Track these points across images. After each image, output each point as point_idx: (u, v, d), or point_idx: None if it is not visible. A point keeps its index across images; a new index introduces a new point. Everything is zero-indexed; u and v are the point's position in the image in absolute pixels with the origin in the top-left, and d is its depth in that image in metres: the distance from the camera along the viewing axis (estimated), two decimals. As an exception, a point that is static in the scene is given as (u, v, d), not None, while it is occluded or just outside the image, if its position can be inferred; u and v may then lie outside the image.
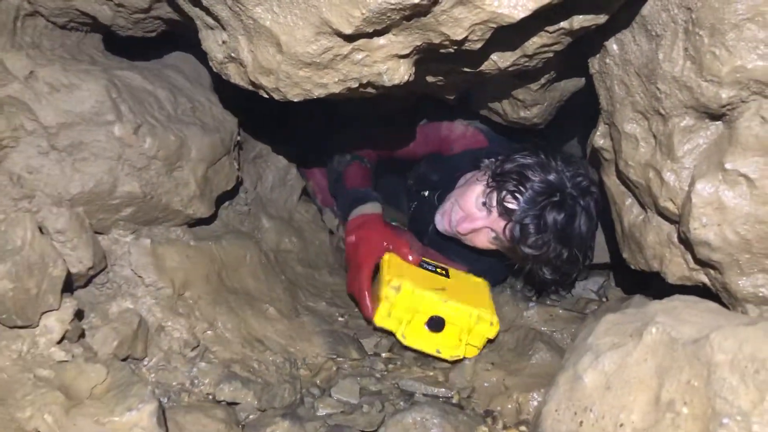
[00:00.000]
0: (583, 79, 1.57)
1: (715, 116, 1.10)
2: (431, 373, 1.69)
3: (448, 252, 1.99)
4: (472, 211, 1.83)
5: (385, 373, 1.71)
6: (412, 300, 1.69)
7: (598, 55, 1.32)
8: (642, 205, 1.33)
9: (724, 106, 1.06)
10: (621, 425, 0.85)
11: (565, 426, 0.92)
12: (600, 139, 1.38)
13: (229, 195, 1.87)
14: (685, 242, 1.17)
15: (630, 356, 0.89)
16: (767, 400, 0.72)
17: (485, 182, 1.78)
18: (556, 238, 1.71)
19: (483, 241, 1.87)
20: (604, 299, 2.00)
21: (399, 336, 1.71)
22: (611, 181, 1.42)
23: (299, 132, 2.16)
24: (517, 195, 1.71)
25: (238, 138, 1.82)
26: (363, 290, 1.80)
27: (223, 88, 1.86)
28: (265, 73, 1.15)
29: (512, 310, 1.88)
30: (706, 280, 1.20)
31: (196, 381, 1.47)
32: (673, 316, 0.91)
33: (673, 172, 1.18)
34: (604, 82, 1.32)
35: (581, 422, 0.90)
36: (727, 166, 1.06)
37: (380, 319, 1.73)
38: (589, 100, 1.54)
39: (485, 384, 1.62)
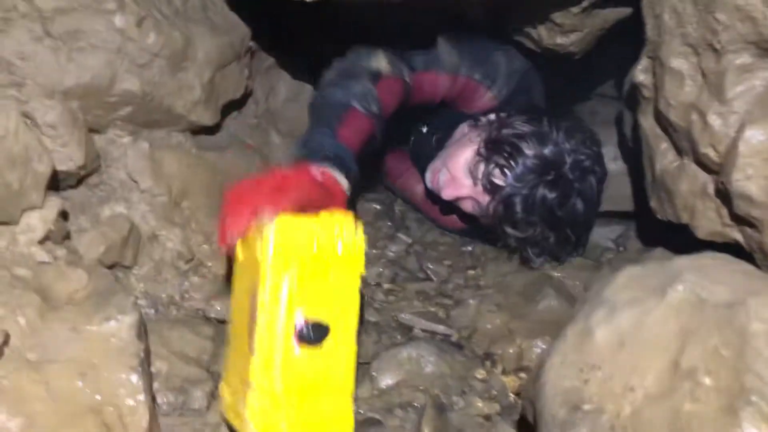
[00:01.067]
0: (629, 7, 1.42)
1: (778, 55, 0.97)
2: (432, 309, 1.62)
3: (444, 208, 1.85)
4: (459, 176, 1.65)
5: (385, 304, 1.65)
6: None
7: (650, -22, 1.18)
8: (678, 151, 1.22)
9: (791, 44, 0.93)
10: (631, 389, 0.77)
11: (569, 382, 0.84)
12: (641, 74, 1.26)
13: (238, 105, 1.77)
14: (723, 194, 1.06)
15: (650, 314, 0.80)
16: (806, 379, 0.63)
17: (476, 147, 1.60)
18: (544, 220, 1.57)
19: (468, 208, 1.70)
20: (621, 249, 1.90)
21: None
22: (647, 122, 1.30)
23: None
24: (506, 170, 1.53)
25: (251, 44, 1.70)
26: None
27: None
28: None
29: (523, 251, 1.78)
30: (740, 237, 1.09)
31: (186, 295, 1.42)
32: (703, 275, 0.81)
33: (719, 116, 1.06)
34: (653, 9, 1.19)
35: (587, 380, 0.82)
36: (786, 112, 0.94)
37: None
38: (631, 32, 1.41)
39: (488, 326, 1.55)
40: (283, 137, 1.92)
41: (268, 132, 1.90)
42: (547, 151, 1.52)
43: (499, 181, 1.55)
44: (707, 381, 0.70)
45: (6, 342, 0.98)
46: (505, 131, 1.57)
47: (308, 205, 1.16)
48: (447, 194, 1.68)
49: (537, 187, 1.52)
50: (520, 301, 1.61)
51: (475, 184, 1.61)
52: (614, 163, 1.91)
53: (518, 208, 1.54)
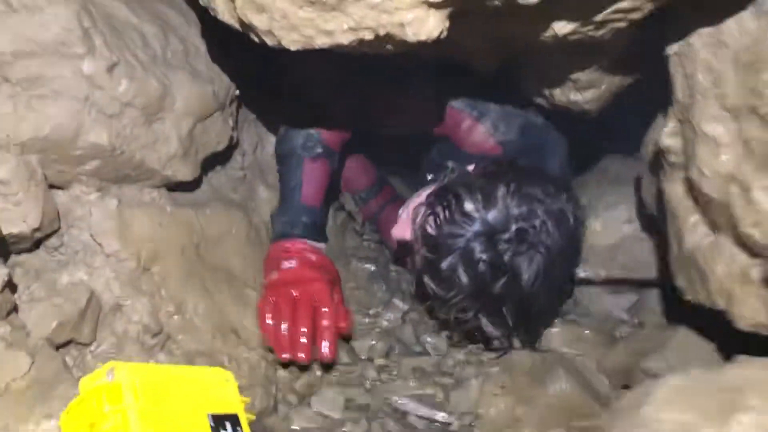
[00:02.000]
0: (651, 62, 1.29)
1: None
2: (430, 391, 1.45)
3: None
4: (405, 219, 1.53)
5: (377, 383, 1.48)
6: None
7: (679, 32, 1.05)
8: (713, 227, 1.07)
9: None
10: None
11: None
12: (668, 138, 1.12)
13: (222, 158, 1.63)
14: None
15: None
16: None
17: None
18: (471, 290, 1.39)
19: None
20: (636, 321, 1.74)
21: None
22: (674, 191, 1.15)
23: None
24: (441, 221, 1.39)
25: (237, 92, 1.57)
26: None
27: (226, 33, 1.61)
28: (257, 9, 0.90)
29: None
30: (790, 333, 0.94)
31: (151, 374, 1.25)
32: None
33: (766, 191, 0.91)
34: (683, 67, 1.05)
35: None
36: None
37: None
38: (651, 90, 1.28)
39: (492, 410, 1.38)
40: (271, 190, 1.77)
41: (254, 186, 1.76)
42: (490, 214, 1.36)
43: (431, 230, 1.41)
44: None
45: None
46: (457, 180, 1.45)
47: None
48: (394, 233, 1.57)
49: (470, 250, 1.35)
50: (528, 382, 1.44)
51: (413, 230, 1.48)
52: (628, 226, 1.77)
53: (443, 263, 1.38)
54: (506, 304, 1.39)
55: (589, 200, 1.85)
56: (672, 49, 1.09)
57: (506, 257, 1.34)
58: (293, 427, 1.30)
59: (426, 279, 1.44)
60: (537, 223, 1.36)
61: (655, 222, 1.42)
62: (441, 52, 1.23)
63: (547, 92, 1.40)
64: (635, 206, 1.72)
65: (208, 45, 1.51)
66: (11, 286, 1.09)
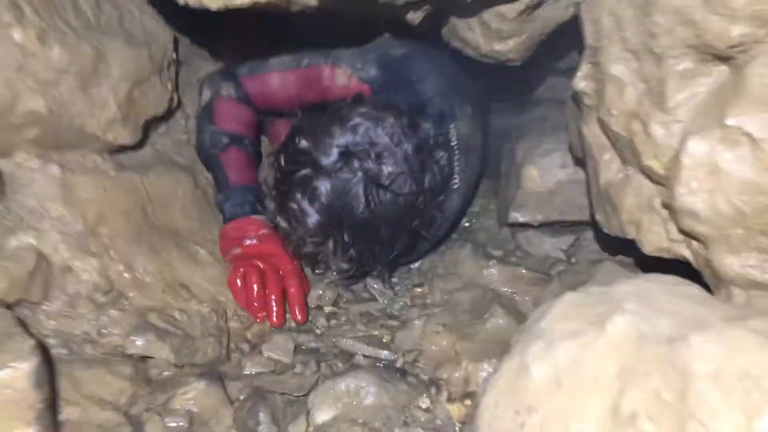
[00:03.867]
0: (571, 8, 1.35)
1: (720, 60, 0.91)
2: (376, 332, 1.53)
3: None
4: None
5: (326, 329, 1.56)
6: None
7: (587, -20, 1.11)
8: (623, 162, 1.15)
9: (733, 47, 0.86)
10: (570, 434, 0.69)
11: (504, 425, 0.76)
12: (581, 81, 1.18)
13: (164, 120, 1.66)
14: (668, 209, 1.00)
15: (589, 349, 0.72)
16: (755, 428, 0.55)
17: None
18: (312, 226, 1.46)
19: None
20: (573, 260, 1.83)
21: None
22: (590, 132, 1.23)
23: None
24: (281, 163, 1.50)
25: (174, 55, 1.60)
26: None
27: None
28: (178, -28, 0.94)
29: (472, 267, 1.71)
30: (687, 254, 1.03)
31: (104, 331, 1.30)
32: (646, 304, 0.74)
33: (662, 125, 0.99)
34: (592, 12, 1.12)
35: (523, 423, 0.74)
36: (729, 121, 0.87)
37: None
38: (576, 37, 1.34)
39: (434, 347, 1.47)
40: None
41: (199, 148, 1.79)
42: (319, 149, 1.42)
43: (275, 173, 1.52)
44: (649, 427, 0.62)
45: None
46: (299, 121, 1.53)
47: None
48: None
49: (306, 183, 1.42)
50: (468, 320, 1.53)
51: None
52: (563, 171, 1.85)
53: (288, 201, 1.45)
54: (348, 230, 1.44)
55: (528, 149, 1.93)
56: (581, -5, 1.15)
57: (337, 185, 1.39)
58: (245, 371, 1.36)
59: (278, 219, 1.51)
60: (364, 149, 1.41)
61: (582, 163, 1.50)
62: (371, 8, 1.28)
63: (472, 41, 1.45)
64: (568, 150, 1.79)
65: (143, 10, 1.53)
66: (-43, 251, 1.13)
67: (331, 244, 1.47)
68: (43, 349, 1.05)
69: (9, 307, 1.16)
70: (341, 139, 1.41)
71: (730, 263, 0.94)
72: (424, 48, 1.69)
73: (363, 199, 1.40)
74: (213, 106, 1.71)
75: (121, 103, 1.41)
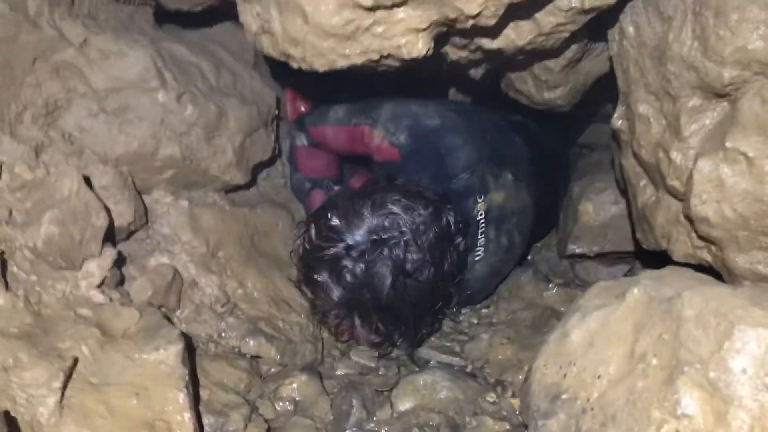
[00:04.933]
0: (608, 63, 1.60)
1: (720, 96, 1.14)
2: (448, 344, 1.76)
3: None
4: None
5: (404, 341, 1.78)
6: None
7: (617, 38, 1.36)
8: (655, 186, 1.37)
9: (727, 86, 1.09)
10: (599, 377, 0.91)
11: (550, 378, 0.98)
12: (618, 120, 1.42)
13: (267, 166, 1.98)
14: (688, 219, 1.21)
15: (613, 314, 0.95)
16: (723, 348, 0.76)
17: None
18: (340, 303, 1.51)
19: None
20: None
21: None
22: (628, 163, 1.46)
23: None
24: (310, 238, 1.55)
25: (277, 111, 1.92)
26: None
27: (266, 64, 1.98)
28: (294, 43, 1.24)
29: (533, 289, 1.92)
30: (708, 257, 1.23)
31: (223, 334, 1.58)
32: (658, 281, 0.96)
33: (679, 152, 1.21)
34: (622, 64, 1.36)
35: (565, 375, 0.96)
36: (728, 144, 1.09)
37: None
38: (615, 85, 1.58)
39: (499, 356, 1.68)
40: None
41: (294, 191, 2.11)
42: (353, 229, 1.48)
43: (306, 246, 1.56)
44: (654, 361, 0.83)
45: (75, 365, 1.15)
46: (331, 198, 1.62)
47: None
48: None
49: (336, 262, 1.47)
50: (530, 334, 1.74)
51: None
52: (615, 207, 2.05)
53: (317, 275, 1.51)
54: (373, 310, 1.50)
55: (584, 186, 2.15)
56: (613, 50, 1.40)
57: (365, 268, 1.45)
58: (337, 372, 1.61)
59: (305, 290, 1.60)
60: (393, 236, 1.47)
61: (624, 193, 1.72)
62: (436, 65, 1.57)
63: (526, 92, 1.71)
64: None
65: (252, 75, 1.87)
66: (117, 263, 1.44)
67: (356, 319, 1.54)
68: (186, 337, 1.33)
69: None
70: (372, 223, 1.47)
71: (740, 260, 1.14)
72: (465, 116, 1.79)
73: (389, 284, 1.45)
74: (295, 154, 2.02)
75: (236, 150, 1.73)
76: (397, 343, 1.67)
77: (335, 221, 1.50)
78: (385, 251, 1.45)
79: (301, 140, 2.01)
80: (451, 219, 1.58)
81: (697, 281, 0.92)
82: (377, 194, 1.52)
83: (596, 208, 2.09)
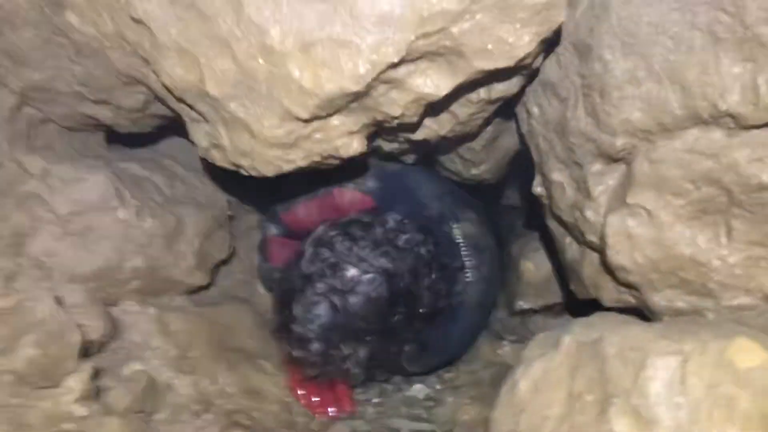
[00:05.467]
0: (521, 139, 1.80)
1: (616, 160, 1.32)
2: (416, 412, 1.86)
3: None
4: None
5: (375, 416, 1.87)
6: None
7: (525, 118, 1.55)
8: (578, 242, 1.54)
9: (620, 152, 1.28)
10: (546, 418, 1.04)
11: (506, 426, 1.11)
12: (537, 187, 1.60)
13: (226, 264, 2.09)
14: (608, 268, 1.37)
15: (551, 362, 1.08)
16: (640, 377, 0.90)
17: None
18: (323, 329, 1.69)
19: None
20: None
21: None
22: (552, 224, 1.63)
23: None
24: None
25: (229, 213, 2.05)
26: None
27: (214, 170, 2.11)
28: (243, 155, 1.38)
29: (488, 348, 2.06)
30: (631, 300, 1.39)
31: (203, 431, 1.64)
32: (586, 326, 1.10)
33: (592, 210, 1.38)
34: (533, 139, 1.55)
35: (518, 421, 1.08)
36: (629, 201, 1.27)
37: None
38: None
39: (465, 417, 1.79)
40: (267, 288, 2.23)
41: (253, 284, 2.22)
42: (311, 264, 1.70)
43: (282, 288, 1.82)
44: (589, 398, 0.97)
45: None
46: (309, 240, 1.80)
47: None
48: None
49: (308, 297, 1.69)
50: (490, 391, 1.85)
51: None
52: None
53: (295, 309, 1.72)
54: (333, 338, 1.69)
55: (521, 247, 2.32)
56: (523, 128, 1.59)
57: (302, 303, 1.68)
58: (315, 455, 1.69)
59: (290, 353, 1.78)
60: (316, 270, 1.69)
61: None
62: (379, 156, 1.73)
63: (455, 169, 1.89)
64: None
65: (203, 182, 2.00)
66: (95, 375, 1.51)
67: (334, 352, 1.71)
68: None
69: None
70: (304, 268, 1.71)
71: (658, 299, 1.30)
72: (419, 169, 1.96)
73: (327, 307, 1.65)
74: (265, 245, 2.10)
75: (196, 253, 1.84)
76: (379, 373, 1.84)
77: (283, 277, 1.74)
78: (317, 283, 1.67)
79: (271, 231, 2.10)
80: (396, 218, 1.75)
81: (618, 323, 1.07)
82: (307, 240, 1.76)
83: (536, 265, 2.25)
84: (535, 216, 2.43)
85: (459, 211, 1.89)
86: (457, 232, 1.85)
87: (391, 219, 1.74)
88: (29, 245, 1.60)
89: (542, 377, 1.08)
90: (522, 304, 2.24)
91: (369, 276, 1.65)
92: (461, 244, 1.85)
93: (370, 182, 1.88)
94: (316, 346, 1.68)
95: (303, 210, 2.00)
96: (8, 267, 1.54)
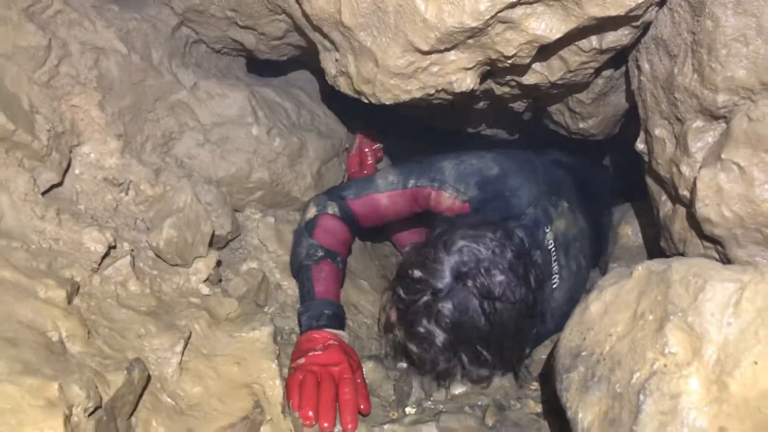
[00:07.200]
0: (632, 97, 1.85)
1: (717, 118, 1.37)
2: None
3: None
4: None
5: None
6: None
7: (636, 74, 1.61)
8: (672, 199, 1.60)
9: (721, 109, 1.33)
10: (610, 335, 1.14)
11: (573, 342, 1.22)
12: (640, 144, 1.66)
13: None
14: (695, 221, 1.43)
15: (623, 288, 1.18)
16: (698, 299, 0.99)
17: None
18: (444, 346, 1.55)
19: None
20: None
21: None
22: (650, 181, 1.69)
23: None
24: (400, 298, 1.60)
25: (347, 144, 2.23)
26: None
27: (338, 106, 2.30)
28: (366, 82, 1.54)
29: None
30: (716, 255, 1.45)
31: (303, 327, 1.85)
32: (660, 261, 1.19)
33: (688, 166, 1.45)
34: (641, 95, 1.61)
35: (584, 338, 1.20)
36: (723, 156, 1.33)
37: None
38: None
39: (542, 356, 1.89)
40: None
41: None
42: (433, 274, 1.54)
43: (399, 306, 1.63)
44: (650, 317, 1.06)
45: (189, 338, 1.44)
46: (406, 256, 1.68)
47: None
48: None
49: (429, 308, 1.53)
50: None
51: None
52: (651, 229, 2.25)
53: (417, 327, 1.56)
54: (476, 342, 1.55)
55: (623, 212, 2.37)
56: (634, 85, 1.65)
57: (455, 304, 1.51)
58: (399, 365, 1.85)
59: (409, 346, 1.63)
60: (471, 267, 1.52)
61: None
62: (491, 100, 1.85)
63: (563, 122, 1.97)
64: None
65: (326, 113, 2.19)
66: (219, 264, 1.74)
67: (464, 357, 1.58)
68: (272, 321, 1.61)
69: (248, 303, 1.75)
70: (451, 262, 1.54)
71: (740, 255, 1.36)
72: (514, 158, 1.91)
73: (481, 312, 1.50)
74: (317, 221, 1.89)
75: (314, 175, 2.04)
76: (501, 373, 1.71)
77: (417, 274, 1.56)
78: (469, 283, 1.50)
79: (333, 210, 1.92)
80: (521, 234, 1.65)
81: (690, 259, 1.15)
82: (444, 236, 1.59)
83: (634, 231, 2.30)
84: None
85: (552, 208, 1.83)
86: (549, 236, 1.80)
87: (516, 235, 1.65)
88: (175, 147, 1.85)
89: (612, 301, 1.18)
90: (615, 266, 2.28)
91: (512, 284, 1.54)
92: (552, 251, 1.80)
93: (472, 192, 1.82)
94: (447, 345, 1.56)
95: (386, 200, 1.93)
96: (157, 163, 1.78)
